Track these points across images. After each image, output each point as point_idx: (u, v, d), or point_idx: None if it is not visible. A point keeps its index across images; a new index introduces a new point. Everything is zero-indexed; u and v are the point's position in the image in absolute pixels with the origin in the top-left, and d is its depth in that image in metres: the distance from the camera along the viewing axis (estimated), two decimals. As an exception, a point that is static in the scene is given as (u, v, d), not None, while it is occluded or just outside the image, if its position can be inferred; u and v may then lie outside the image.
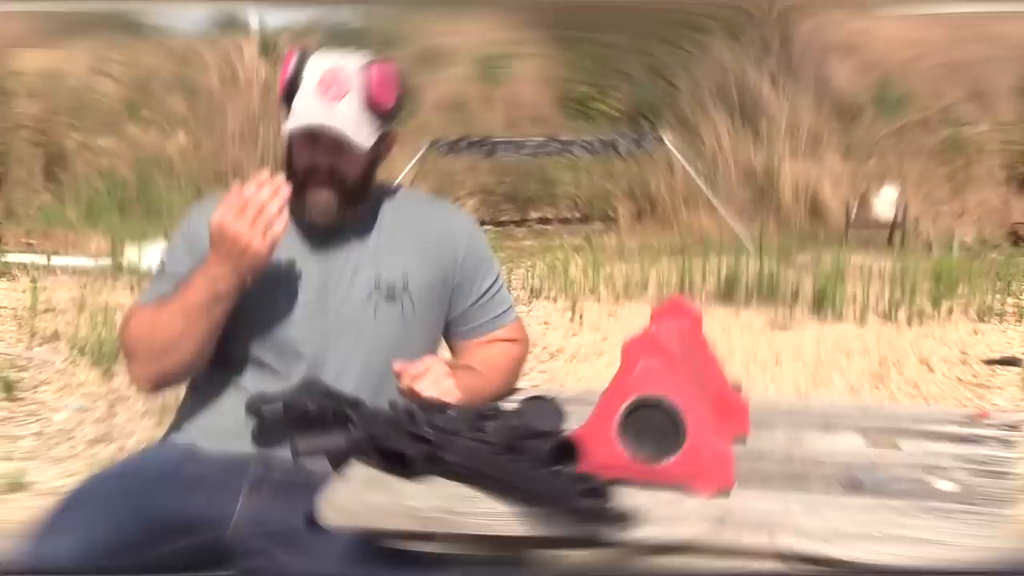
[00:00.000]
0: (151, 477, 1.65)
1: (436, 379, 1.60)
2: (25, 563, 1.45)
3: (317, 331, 1.72)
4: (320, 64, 1.70)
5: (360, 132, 1.67)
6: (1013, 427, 1.68)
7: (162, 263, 1.79)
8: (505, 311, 1.88)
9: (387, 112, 1.71)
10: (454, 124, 15.22)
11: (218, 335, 1.67)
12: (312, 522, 1.27)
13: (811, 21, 14.60)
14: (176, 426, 1.79)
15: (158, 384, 1.77)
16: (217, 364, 1.76)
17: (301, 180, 1.70)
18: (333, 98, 1.66)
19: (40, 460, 3.84)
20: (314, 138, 1.68)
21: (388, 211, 1.81)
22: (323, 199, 1.70)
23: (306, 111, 1.67)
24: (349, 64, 1.70)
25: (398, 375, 1.62)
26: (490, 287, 1.85)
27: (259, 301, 1.70)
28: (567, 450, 1.29)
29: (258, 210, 1.56)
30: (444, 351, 1.90)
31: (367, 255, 1.75)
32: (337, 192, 1.70)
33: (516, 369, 1.89)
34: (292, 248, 1.74)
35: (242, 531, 1.63)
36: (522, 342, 1.91)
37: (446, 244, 1.80)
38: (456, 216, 1.89)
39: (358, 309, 1.73)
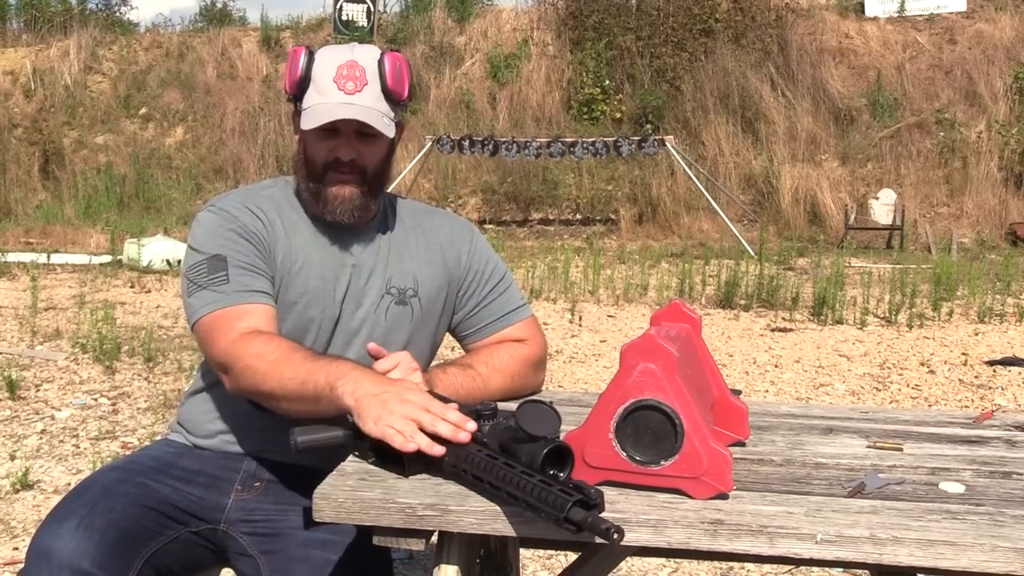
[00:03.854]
0: (150, 468, 1.66)
1: (402, 374, 1.58)
2: (32, 551, 1.46)
3: (327, 331, 1.72)
4: (331, 59, 1.67)
5: (382, 122, 1.66)
6: (1018, 427, 1.67)
7: (222, 259, 1.64)
8: (513, 310, 1.85)
9: (403, 101, 1.71)
10: (458, 122, 15.27)
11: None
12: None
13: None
14: (176, 426, 1.80)
15: (246, 395, 1.63)
16: None
17: (321, 176, 1.68)
18: (352, 91, 1.65)
19: (45, 458, 3.84)
20: (335, 132, 1.66)
21: (395, 218, 1.82)
22: (347, 194, 1.68)
23: (328, 106, 1.65)
24: (362, 56, 1.68)
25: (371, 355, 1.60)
26: (496, 286, 1.85)
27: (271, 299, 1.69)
28: (562, 454, 1.27)
29: (430, 424, 1.34)
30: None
31: (380, 258, 1.76)
32: (361, 185, 1.69)
33: (524, 371, 1.81)
34: (307, 248, 1.73)
35: (234, 524, 1.65)
36: (533, 342, 1.85)
37: (451, 249, 1.82)
38: (457, 222, 1.89)
39: (370, 311, 1.73)
